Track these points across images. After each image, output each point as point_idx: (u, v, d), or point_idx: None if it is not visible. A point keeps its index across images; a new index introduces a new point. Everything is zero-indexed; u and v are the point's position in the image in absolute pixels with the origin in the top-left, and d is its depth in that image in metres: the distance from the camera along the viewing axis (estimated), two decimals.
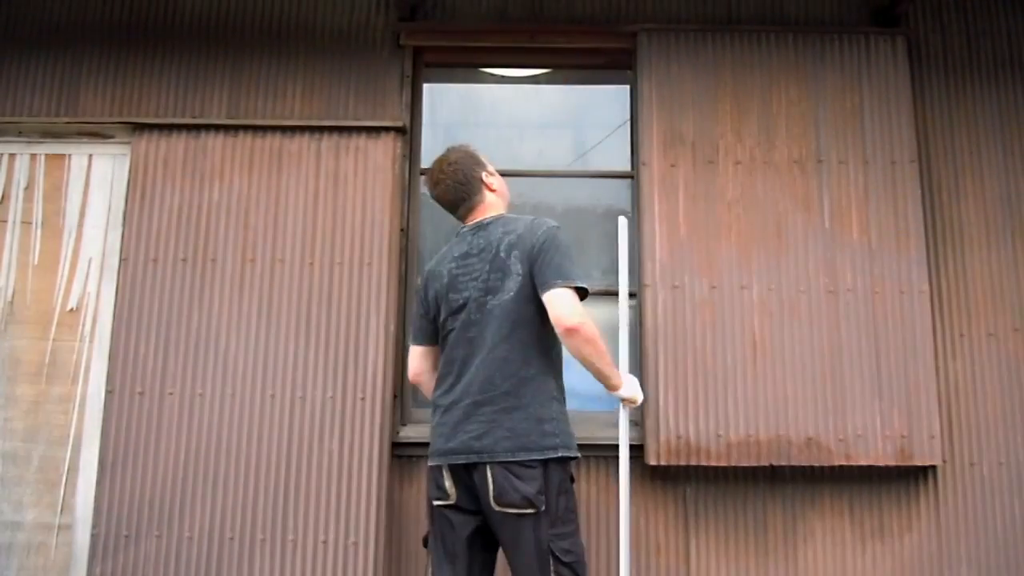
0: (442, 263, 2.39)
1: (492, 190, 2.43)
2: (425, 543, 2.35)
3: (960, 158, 3.25)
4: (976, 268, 3.16)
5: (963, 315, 3.13)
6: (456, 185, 2.40)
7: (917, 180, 3.12)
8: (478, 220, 2.39)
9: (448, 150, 2.46)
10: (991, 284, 3.15)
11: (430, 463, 2.30)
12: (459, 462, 2.20)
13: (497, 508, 2.14)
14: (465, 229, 2.41)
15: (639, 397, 2.43)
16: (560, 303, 2.18)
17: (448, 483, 2.22)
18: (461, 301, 2.29)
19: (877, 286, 3.03)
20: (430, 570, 2.31)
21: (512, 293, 2.23)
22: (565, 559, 2.14)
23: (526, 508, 2.12)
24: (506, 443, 2.15)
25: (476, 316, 2.25)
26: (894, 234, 3.07)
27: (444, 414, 2.27)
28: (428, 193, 2.48)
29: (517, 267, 2.24)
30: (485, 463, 2.15)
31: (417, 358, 2.47)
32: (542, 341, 2.25)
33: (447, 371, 2.30)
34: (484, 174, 2.43)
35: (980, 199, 3.22)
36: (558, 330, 2.20)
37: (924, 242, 3.07)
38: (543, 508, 2.13)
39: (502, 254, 2.26)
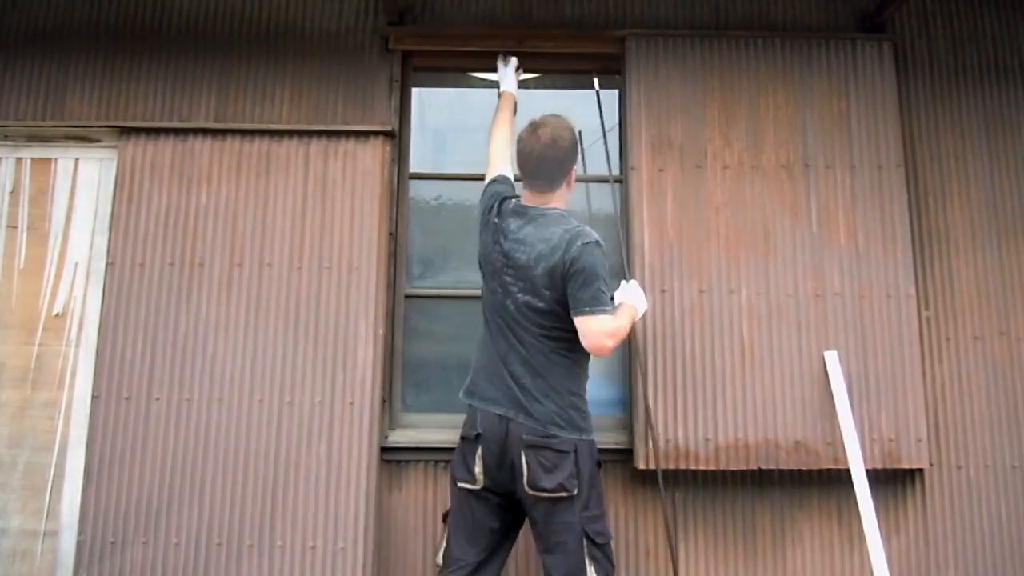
0: (506, 218, 2.43)
1: (570, 186, 2.49)
2: (444, 518, 2.46)
3: (946, 162, 3.27)
4: (962, 272, 3.18)
5: (949, 319, 3.15)
6: (556, 160, 2.40)
7: (903, 184, 3.14)
8: (546, 206, 2.41)
9: (560, 120, 2.44)
10: (977, 288, 3.17)
11: (465, 434, 2.40)
12: (495, 411, 2.30)
13: (531, 492, 2.23)
14: (532, 208, 2.42)
15: (642, 306, 2.59)
16: (592, 330, 2.27)
17: (478, 467, 2.30)
18: (508, 280, 2.36)
19: (864, 290, 3.04)
20: (444, 544, 2.42)
21: (543, 305, 2.31)
22: (599, 540, 2.26)
23: (560, 492, 2.22)
24: (541, 415, 2.27)
25: (518, 315, 2.33)
26: (881, 238, 3.09)
27: (483, 382, 2.40)
28: (519, 144, 2.43)
29: (545, 280, 2.29)
30: (521, 443, 2.25)
31: None
32: (573, 350, 2.35)
33: (488, 360, 2.39)
34: (574, 166, 2.47)
35: (966, 203, 3.24)
36: (593, 352, 2.32)
37: (911, 246, 3.09)
38: (575, 492, 2.23)
39: (532, 261, 2.33)
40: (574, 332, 2.30)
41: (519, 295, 2.33)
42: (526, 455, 2.24)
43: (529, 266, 2.31)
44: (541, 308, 2.31)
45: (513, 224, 2.40)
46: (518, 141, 2.43)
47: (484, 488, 2.33)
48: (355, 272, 3.07)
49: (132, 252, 3.08)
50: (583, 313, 2.26)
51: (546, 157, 2.37)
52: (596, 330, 2.26)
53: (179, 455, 2.93)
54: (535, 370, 2.31)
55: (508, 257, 2.36)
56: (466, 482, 2.35)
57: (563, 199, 2.46)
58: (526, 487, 2.24)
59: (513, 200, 2.49)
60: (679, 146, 3.15)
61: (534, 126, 2.41)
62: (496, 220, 2.44)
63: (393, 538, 2.98)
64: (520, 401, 2.29)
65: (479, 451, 2.31)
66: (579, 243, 2.28)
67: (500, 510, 2.36)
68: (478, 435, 2.32)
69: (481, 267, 2.48)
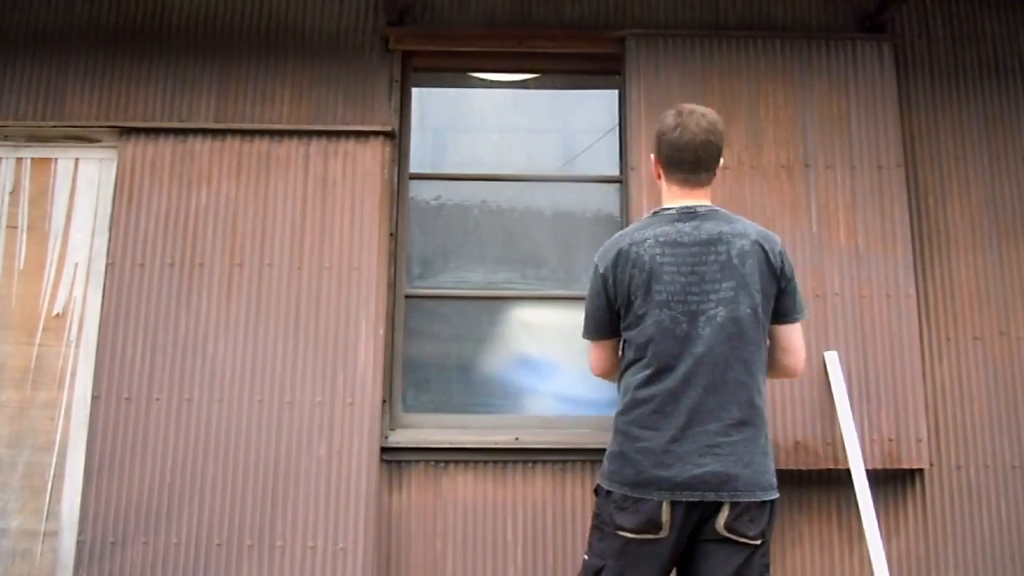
0: (640, 246, 2.00)
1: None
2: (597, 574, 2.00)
3: (946, 162, 3.27)
4: (962, 272, 3.18)
5: (949, 319, 3.15)
6: (716, 149, 2.06)
7: (903, 184, 3.14)
8: (691, 205, 2.05)
9: (707, 112, 2.07)
10: (977, 288, 3.17)
11: (638, 494, 1.93)
12: (693, 499, 1.90)
13: (726, 534, 1.92)
14: (672, 210, 2.05)
15: None
16: (800, 340, 2.09)
17: (666, 516, 1.90)
18: (667, 298, 1.95)
19: (864, 290, 3.04)
20: None
21: (749, 311, 1.95)
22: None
23: (756, 540, 1.92)
24: (747, 478, 1.92)
25: (704, 330, 1.94)
26: (881, 238, 3.09)
27: (658, 438, 1.94)
28: (674, 132, 2.04)
29: (755, 282, 1.96)
30: (724, 502, 1.91)
31: (609, 353, 2.14)
32: (764, 366, 2.04)
33: (658, 386, 1.96)
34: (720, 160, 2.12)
35: (966, 203, 3.24)
36: (790, 368, 2.11)
37: (911, 246, 3.09)
38: (765, 540, 1.96)
39: (735, 261, 1.96)
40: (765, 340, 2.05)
41: (721, 308, 1.95)
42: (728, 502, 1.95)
43: (733, 262, 1.97)
44: (750, 315, 1.97)
45: (669, 227, 2.02)
46: (666, 131, 2.07)
47: (664, 537, 1.94)
48: (355, 272, 3.07)
49: (132, 252, 3.08)
50: (795, 320, 2.07)
51: (710, 144, 2.04)
52: (800, 341, 2.11)
53: (179, 455, 2.93)
54: (741, 405, 1.98)
55: (676, 251, 1.99)
56: (647, 533, 1.94)
57: (710, 197, 2.13)
58: (722, 529, 1.92)
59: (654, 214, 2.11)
60: None
61: (683, 112, 2.06)
62: (650, 237, 2.02)
63: (393, 538, 2.98)
64: (724, 453, 1.96)
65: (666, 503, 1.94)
66: (779, 244, 2.06)
67: (669, 561, 1.99)
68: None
69: (630, 306, 2.02)
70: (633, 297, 1.99)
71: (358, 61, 3.29)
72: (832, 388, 2.90)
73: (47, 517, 3.01)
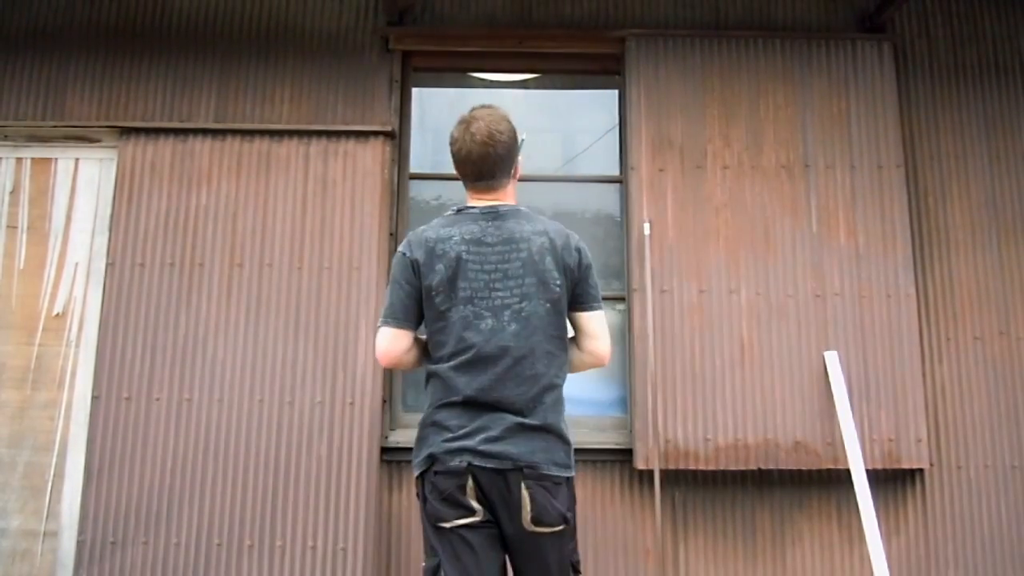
0: (446, 243, 2.04)
1: (516, 178, 2.18)
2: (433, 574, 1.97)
3: (946, 162, 3.27)
4: (962, 271, 3.18)
5: (949, 318, 3.15)
6: (497, 157, 2.08)
7: (903, 184, 3.14)
8: (493, 204, 2.10)
9: (494, 112, 2.11)
10: (976, 287, 3.17)
11: (439, 468, 1.96)
12: (489, 466, 1.94)
13: (533, 528, 1.97)
14: (475, 209, 2.09)
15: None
16: (604, 328, 2.12)
17: (472, 499, 1.96)
18: (471, 295, 2.00)
19: (864, 290, 3.04)
20: None
21: (549, 304, 2.02)
22: (579, 568, 2.11)
23: (559, 525, 1.98)
24: (542, 456, 1.97)
25: (510, 325, 2.00)
26: (881, 238, 3.09)
27: (461, 418, 1.98)
28: (454, 145, 2.09)
29: (555, 277, 2.03)
30: (522, 477, 1.94)
31: (408, 343, 2.07)
32: (565, 354, 2.10)
33: (462, 373, 1.99)
34: (519, 158, 2.17)
35: (965, 203, 3.24)
36: (595, 356, 2.13)
37: (910, 246, 3.09)
38: (571, 524, 2.03)
39: (536, 257, 2.03)
40: (566, 331, 2.09)
41: (525, 303, 2.01)
42: (528, 488, 1.97)
43: (534, 258, 2.03)
44: (550, 308, 2.03)
45: (474, 226, 2.07)
46: (451, 143, 2.11)
47: (484, 522, 1.97)
48: (355, 272, 3.07)
49: (132, 252, 3.08)
50: (593, 308, 2.10)
51: (487, 155, 2.07)
52: (603, 329, 2.11)
53: (179, 455, 2.93)
54: (539, 392, 2.02)
55: (481, 249, 2.04)
56: (461, 517, 1.96)
57: (512, 196, 2.16)
58: (528, 523, 1.96)
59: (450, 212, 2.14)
60: (679, 146, 3.15)
61: (466, 122, 2.10)
62: (456, 235, 2.07)
63: (393, 538, 2.98)
64: (519, 434, 1.99)
65: (469, 482, 1.96)
66: (576, 239, 2.11)
67: (498, 547, 2.01)
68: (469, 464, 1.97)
69: (433, 300, 2.04)
70: (435, 293, 2.02)
71: (358, 61, 3.29)
72: (832, 388, 2.90)
73: (47, 517, 3.01)
